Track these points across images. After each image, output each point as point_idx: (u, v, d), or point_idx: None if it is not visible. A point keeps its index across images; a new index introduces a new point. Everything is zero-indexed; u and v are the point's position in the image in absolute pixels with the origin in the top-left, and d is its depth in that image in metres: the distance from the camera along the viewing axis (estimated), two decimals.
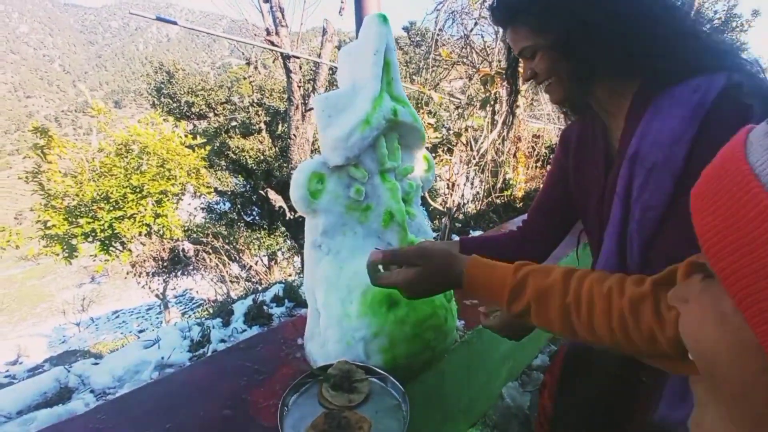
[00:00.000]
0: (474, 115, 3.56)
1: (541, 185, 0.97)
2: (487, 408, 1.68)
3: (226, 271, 4.87)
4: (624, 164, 0.64)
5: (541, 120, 6.09)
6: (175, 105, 9.98)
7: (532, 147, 5.54)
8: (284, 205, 5.71)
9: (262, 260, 7.41)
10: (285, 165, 7.03)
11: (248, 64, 9.24)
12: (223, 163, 9.37)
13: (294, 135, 5.35)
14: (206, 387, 1.07)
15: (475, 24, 4.21)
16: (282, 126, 8.31)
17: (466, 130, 3.21)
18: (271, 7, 4.31)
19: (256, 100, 8.75)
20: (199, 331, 2.17)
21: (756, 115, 0.51)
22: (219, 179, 9.38)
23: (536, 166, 5.47)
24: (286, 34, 4.32)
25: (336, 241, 1.04)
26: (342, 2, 1.64)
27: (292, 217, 5.77)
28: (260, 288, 3.25)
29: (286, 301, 2.51)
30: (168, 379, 1.15)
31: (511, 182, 5.01)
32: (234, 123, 8.97)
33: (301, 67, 5.25)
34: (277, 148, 8.30)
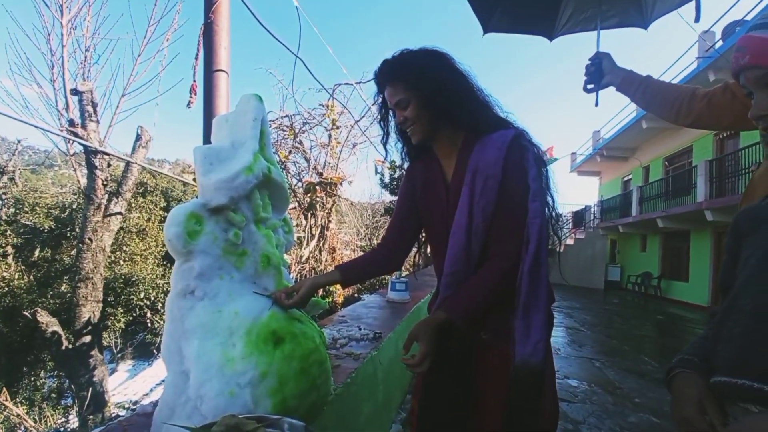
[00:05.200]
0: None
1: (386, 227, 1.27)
2: None
3: None
4: (467, 175, 0.99)
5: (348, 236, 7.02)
6: None
7: (346, 258, 6.24)
8: (60, 330, 3.96)
9: None
10: (43, 299, 5.16)
11: (1, 173, 7.14)
12: None
13: (89, 240, 4.15)
14: None
15: (290, 152, 4.91)
16: (41, 251, 6.37)
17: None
18: (81, 100, 3.78)
19: (5, 217, 6.55)
20: None
21: (530, 149, 0.98)
22: None
23: None
24: (95, 129, 3.80)
25: (213, 284, 1.00)
26: (191, 97, 1.74)
27: (70, 345, 3.99)
28: None
29: None
30: None
31: (330, 289, 5.36)
32: None
33: (109, 165, 4.51)
34: (31, 278, 6.10)
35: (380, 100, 1.13)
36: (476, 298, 0.95)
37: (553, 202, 1.02)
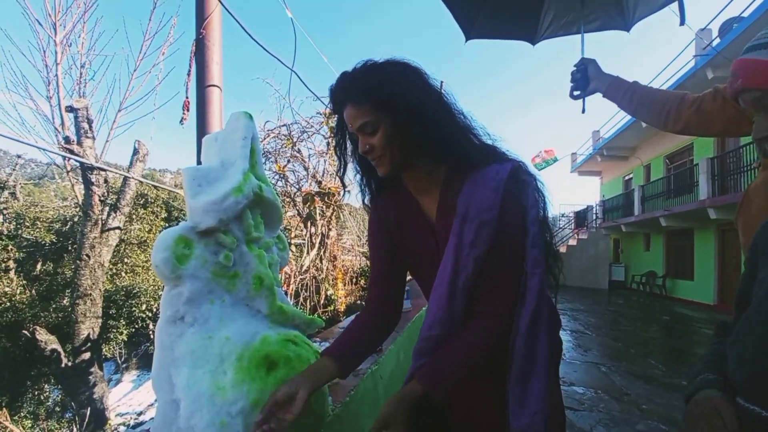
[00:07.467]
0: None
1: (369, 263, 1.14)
2: None
3: None
4: (455, 223, 0.83)
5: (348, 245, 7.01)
6: None
7: (348, 266, 6.21)
8: (59, 348, 3.95)
9: None
10: (45, 313, 5.15)
11: (1, 188, 7.19)
12: None
13: (87, 256, 4.15)
14: None
15: (288, 162, 4.91)
16: (43, 265, 6.38)
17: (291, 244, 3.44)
18: (77, 117, 3.80)
19: (7, 232, 6.58)
20: None
21: (530, 184, 0.85)
22: None
23: (353, 282, 6.09)
24: (90, 145, 3.82)
25: (203, 309, 0.97)
26: (183, 114, 1.74)
27: (69, 363, 3.98)
28: None
29: None
30: None
31: (332, 297, 5.32)
32: None
33: (106, 181, 4.52)
34: (33, 292, 6.11)
35: (335, 120, 0.96)
36: (459, 366, 0.80)
37: (551, 238, 0.89)
